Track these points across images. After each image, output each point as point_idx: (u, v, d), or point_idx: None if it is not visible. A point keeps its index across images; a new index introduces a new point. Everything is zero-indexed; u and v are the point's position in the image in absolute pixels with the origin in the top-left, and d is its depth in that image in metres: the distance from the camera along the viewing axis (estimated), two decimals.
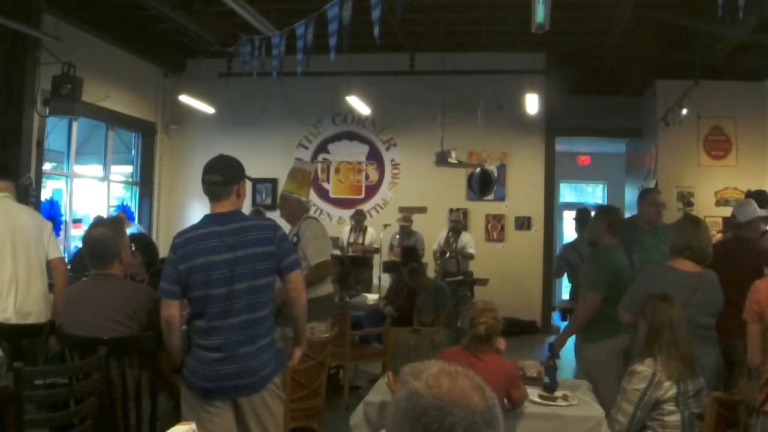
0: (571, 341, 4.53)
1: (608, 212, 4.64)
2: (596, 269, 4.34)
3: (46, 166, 8.30)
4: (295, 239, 4.54)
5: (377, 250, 9.13)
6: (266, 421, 3.03)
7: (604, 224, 4.44)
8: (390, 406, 1.27)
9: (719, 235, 8.45)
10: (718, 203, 9.46)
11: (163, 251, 10.44)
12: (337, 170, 10.88)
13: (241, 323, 2.92)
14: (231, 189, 3.04)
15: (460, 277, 8.25)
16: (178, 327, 2.98)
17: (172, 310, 2.94)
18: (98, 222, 3.86)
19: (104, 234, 3.28)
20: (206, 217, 3.06)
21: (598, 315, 4.19)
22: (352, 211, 9.77)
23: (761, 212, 4.60)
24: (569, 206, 12.51)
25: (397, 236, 9.10)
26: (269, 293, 3.03)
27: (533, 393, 3.42)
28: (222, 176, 3.03)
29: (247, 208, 5.17)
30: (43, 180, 8.04)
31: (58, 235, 8.32)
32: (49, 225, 4.34)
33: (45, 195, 8.27)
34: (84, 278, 3.69)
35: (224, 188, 3.03)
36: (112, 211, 9.67)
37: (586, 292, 4.35)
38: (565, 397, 3.40)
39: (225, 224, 2.98)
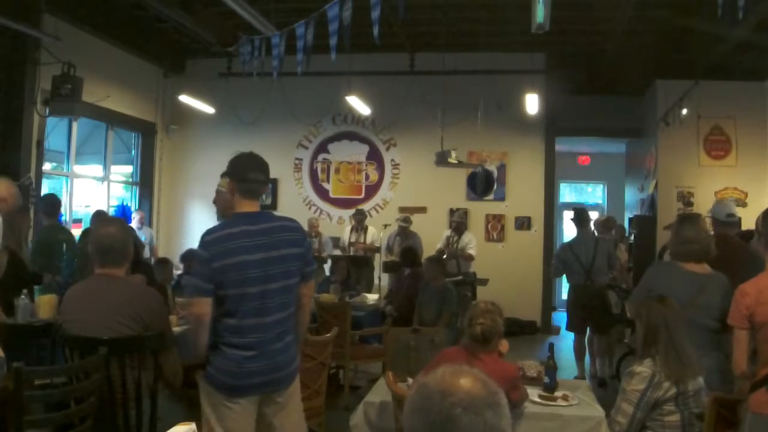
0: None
1: None
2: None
3: (46, 166, 8.30)
4: None
5: (378, 249, 9.12)
6: (292, 417, 3.06)
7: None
8: (405, 405, 1.39)
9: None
10: None
11: (164, 251, 10.41)
12: (337, 170, 10.88)
13: (275, 322, 2.96)
14: (267, 188, 3.16)
15: (460, 277, 8.24)
16: (209, 324, 2.96)
17: (205, 308, 2.91)
18: (111, 220, 3.82)
19: (119, 233, 3.27)
20: (236, 216, 3.04)
21: None
22: (352, 211, 9.76)
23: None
24: (569, 206, 12.51)
25: (397, 237, 9.08)
26: (296, 292, 3.08)
27: (533, 393, 3.42)
28: (265, 175, 3.09)
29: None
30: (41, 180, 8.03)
31: None
32: None
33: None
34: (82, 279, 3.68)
35: (263, 187, 3.10)
36: (112, 211, 9.65)
37: None
38: (565, 397, 3.41)
39: (255, 224, 2.98)
